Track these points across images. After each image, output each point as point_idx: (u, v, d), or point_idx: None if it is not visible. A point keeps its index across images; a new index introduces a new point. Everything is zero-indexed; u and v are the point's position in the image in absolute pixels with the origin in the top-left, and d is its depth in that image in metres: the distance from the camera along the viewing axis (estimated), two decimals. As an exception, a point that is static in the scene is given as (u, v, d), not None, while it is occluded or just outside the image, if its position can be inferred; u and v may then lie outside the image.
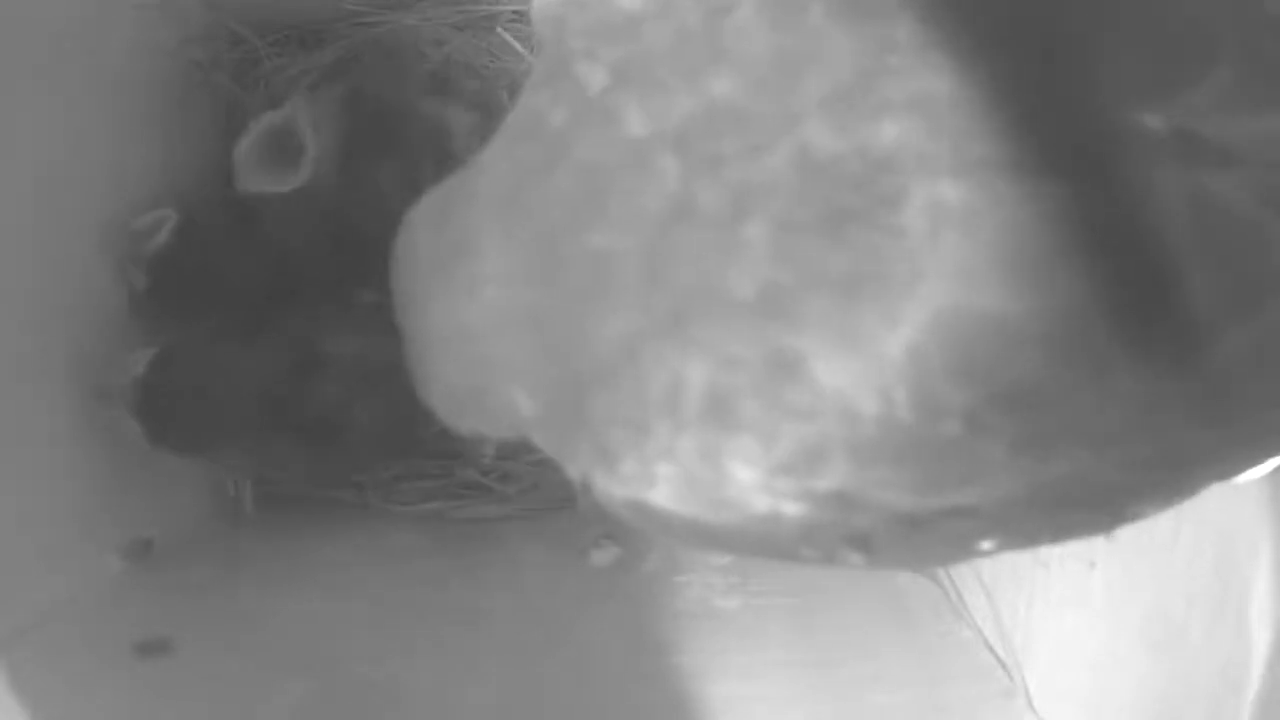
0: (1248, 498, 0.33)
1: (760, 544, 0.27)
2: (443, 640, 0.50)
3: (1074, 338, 0.23)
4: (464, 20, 0.65)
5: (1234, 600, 0.34)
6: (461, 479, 0.65)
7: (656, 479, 0.26)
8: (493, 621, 0.52)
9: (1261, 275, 0.23)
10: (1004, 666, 0.48)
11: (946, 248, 0.23)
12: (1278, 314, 0.23)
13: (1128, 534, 0.39)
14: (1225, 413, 0.25)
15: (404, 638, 0.50)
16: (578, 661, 0.49)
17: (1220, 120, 0.23)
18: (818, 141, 0.24)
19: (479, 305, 0.29)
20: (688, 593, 0.55)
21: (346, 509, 0.65)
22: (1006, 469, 0.24)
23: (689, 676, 0.47)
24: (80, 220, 0.51)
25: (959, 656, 0.50)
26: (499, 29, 0.65)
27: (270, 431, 0.54)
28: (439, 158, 0.58)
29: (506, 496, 0.65)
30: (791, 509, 0.25)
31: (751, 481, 0.25)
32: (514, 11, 0.65)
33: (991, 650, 0.50)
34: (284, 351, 0.54)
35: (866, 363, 0.23)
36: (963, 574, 0.53)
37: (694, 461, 0.25)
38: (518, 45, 0.65)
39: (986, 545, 0.27)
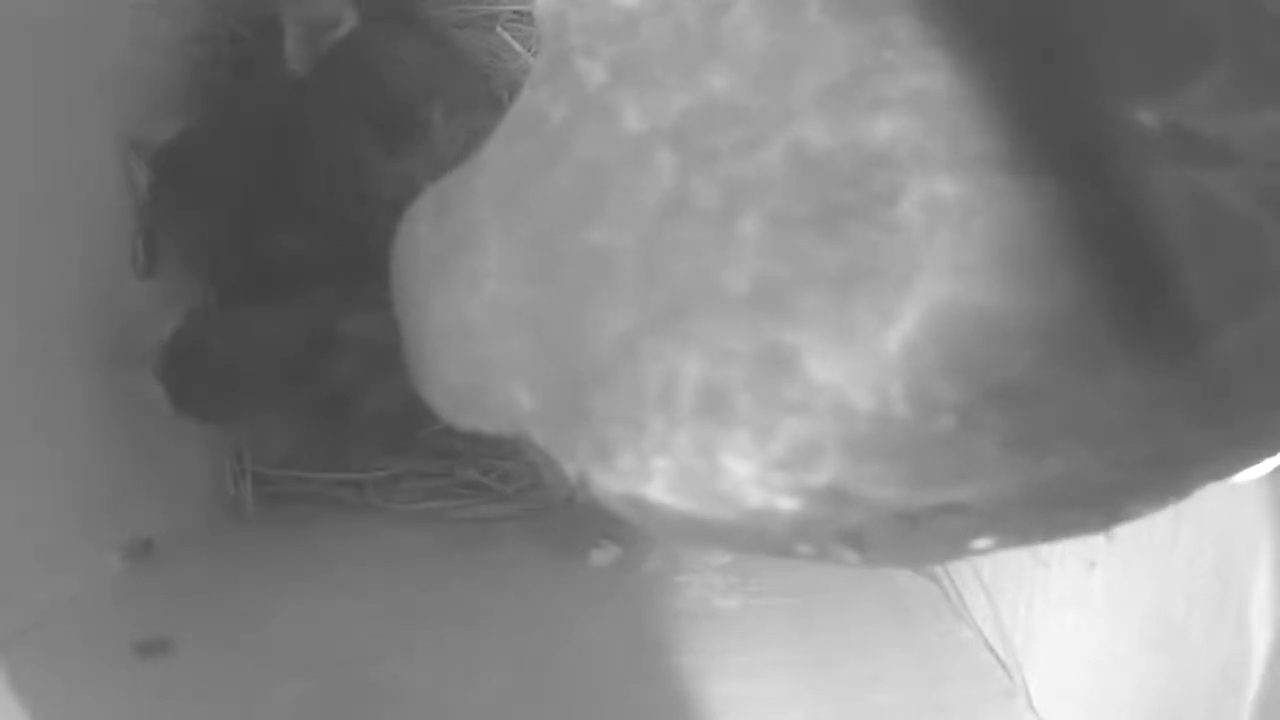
0: (1248, 498, 0.33)
1: (755, 540, 0.27)
2: (443, 640, 0.50)
3: (1070, 335, 0.23)
4: (464, 20, 0.66)
5: (1234, 600, 0.34)
6: (461, 479, 0.65)
7: (653, 473, 0.26)
8: (493, 621, 0.52)
9: (1260, 275, 0.23)
10: (1004, 666, 0.48)
11: (942, 244, 0.23)
12: (1276, 314, 0.23)
13: (1128, 534, 0.40)
14: (1223, 412, 0.25)
15: (404, 638, 0.50)
16: (578, 661, 0.49)
17: (1219, 118, 0.23)
18: (812, 137, 0.24)
19: (480, 301, 0.29)
20: (688, 593, 0.55)
21: (346, 509, 0.65)
22: (1000, 466, 0.24)
23: (689, 676, 0.47)
24: (81, 220, 0.51)
25: (959, 656, 0.50)
26: (499, 28, 0.66)
27: (288, 403, 0.55)
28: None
29: (506, 496, 0.65)
30: (785, 504, 0.25)
31: (746, 476, 0.25)
32: (514, 11, 0.65)
33: (991, 650, 0.50)
34: (304, 324, 0.55)
35: (860, 358, 0.23)
36: (963, 574, 0.53)
37: (689, 456, 0.25)
38: (517, 45, 0.65)
39: (981, 543, 0.27)
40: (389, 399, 0.55)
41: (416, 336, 0.33)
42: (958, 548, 0.28)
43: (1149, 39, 0.24)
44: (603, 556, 0.58)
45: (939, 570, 0.55)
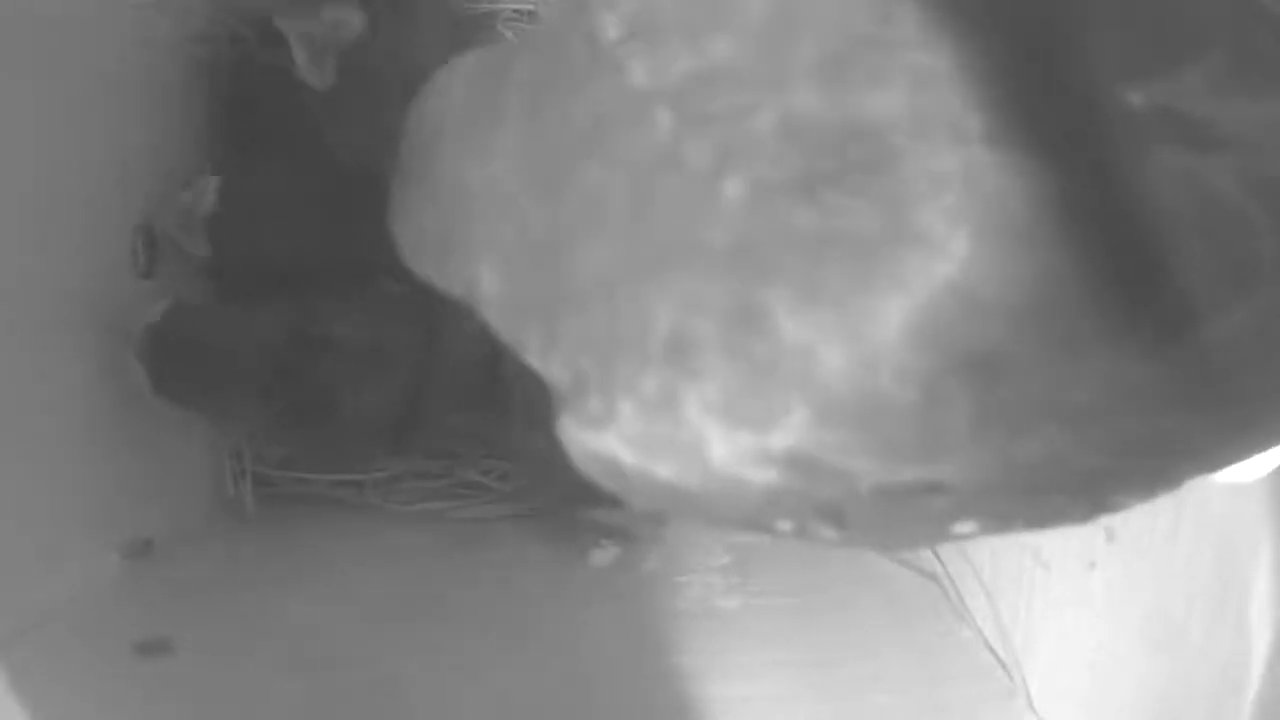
0: (1248, 498, 0.33)
1: (730, 509, 0.27)
2: (443, 640, 0.50)
3: (1045, 313, 0.23)
4: (464, 19, 0.66)
5: (1234, 600, 0.34)
6: (461, 479, 0.65)
7: (617, 416, 0.26)
8: (493, 621, 0.52)
9: (1248, 262, 0.23)
10: (1004, 666, 0.48)
11: (919, 215, 0.23)
12: (1266, 302, 0.24)
13: (1128, 534, 0.40)
14: (1210, 400, 0.25)
15: (404, 638, 0.50)
16: (578, 661, 0.49)
17: (1211, 104, 0.24)
18: (803, 106, 0.24)
19: (484, 174, 0.30)
20: (688, 593, 0.55)
21: (346, 509, 0.65)
22: (973, 442, 0.24)
23: (689, 676, 0.47)
24: (82, 220, 0.51)
25: (959, 656, 0.50)
26: (499, 26, 0.66)
27: (266, 399, 0.55)
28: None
29: (506, 496, 0.65)
30: (753, 470, 0.25)
31: (709, 431, 0.25)
32: (514, 10, 0.65)
33: (991, 650, 0.50)
34: (290, 322, 0.55)
35: (829, 322, 0.24)
36: (963, 574, 0.53)
37: (654, 402, 0.26)
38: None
39: (963, 527, 0.27)
40: (371, 402, 0.55)
41: (411, 176, 0.34)
42: (940, 530, 0.28)
43: (1143, 24, 0.25)
44: (603, 556, 0.58)
45: (939, 570, 0.55)
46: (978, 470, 0.25)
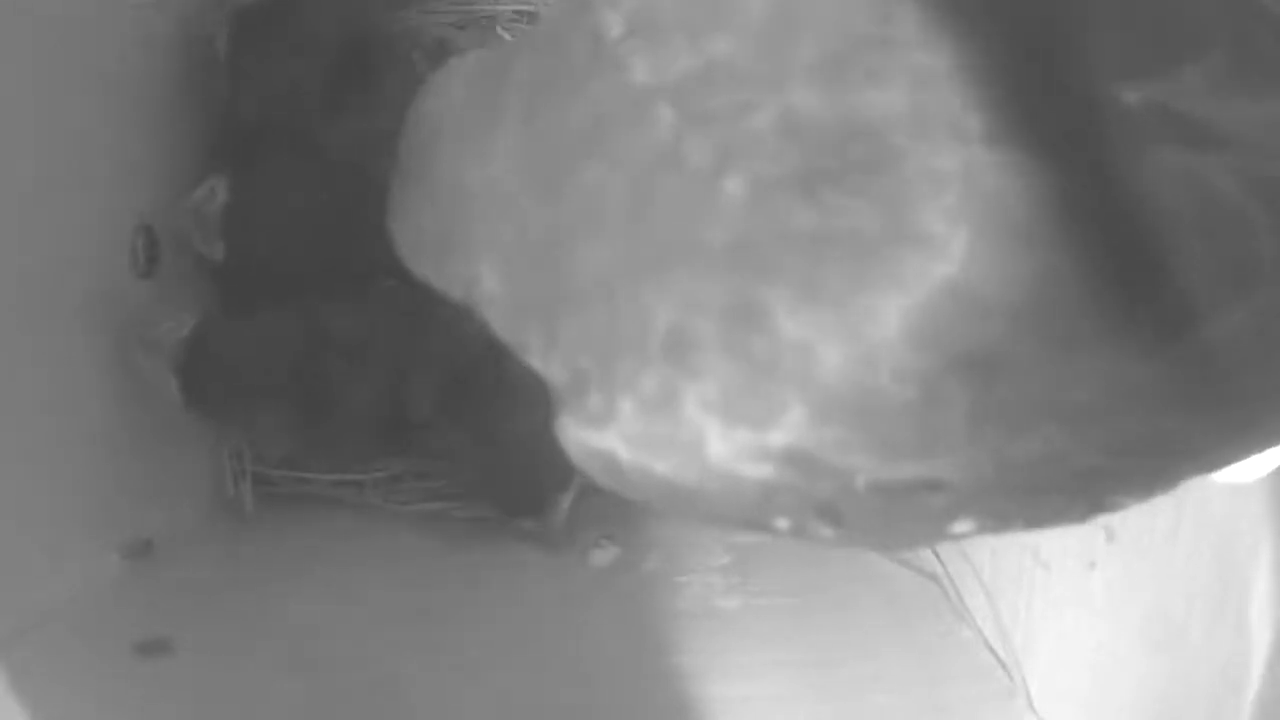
0: (1248, 498, 0.33)
1: (727, 507, 0.27)
2: (443, 640, 0.50)
3: (1043, 312, 0.23)
4: (464, 20, 0.66)
5: (1234, 600, 0.34)
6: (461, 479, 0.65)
7: (617, 414, 0.26)
8: (493, 621, 0.52)
9: (1248, 262, 0.23)
10: (1004, 666, 0.48)
11: (919, 215, 0.23)
12: (1266, 301, 0.24)
13: (1128, 534, 0.40)
14: (1209, 401, 0.25)
15: (404, 638, 0.50)
16: (578, 661, 0.49)
17: (1210, 104, 0.24)
18: (803, 104, 0.24)
19: (483, 174, 0.30)
20: (688, 593, 0.55)
21: (346, 509, 0.65)
22: (969, 440, 0.24)
23: (689, 676, 0.47)
24: (82, 220, 0.51)
25: (959, 656, 0.50)
26: (499, 29, 0.66)
27: (291, 405, 0.55)
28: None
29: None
30: (751, 468, 0.26)
31: (708, 429, 0.25)
32: (514, 11, 0.65)
33: (991, 650, 0.50)
34: (306, 325, 0.56)
35: (827, 320, 0.24)
36: (963, 574, 0.53)
37: (653, 401, 0.26)
38: (518, 45, 0.65)
39: (960, 526, 0.27)
40: (376, 398, 0.56)
41: (410, 176, 0.34)
42: (937, 529, 0.28)
43: (1143, 24, 0.25)
44: (603, 556, 0.58)
45: (939, 570, 0.55)
46: (975, 468, 0.25)
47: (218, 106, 0.60)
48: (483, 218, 0.30)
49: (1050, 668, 0.45)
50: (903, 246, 0.23)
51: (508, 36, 0.65)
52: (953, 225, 0.23)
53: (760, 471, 0.25)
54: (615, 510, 0.57)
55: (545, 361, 0.29)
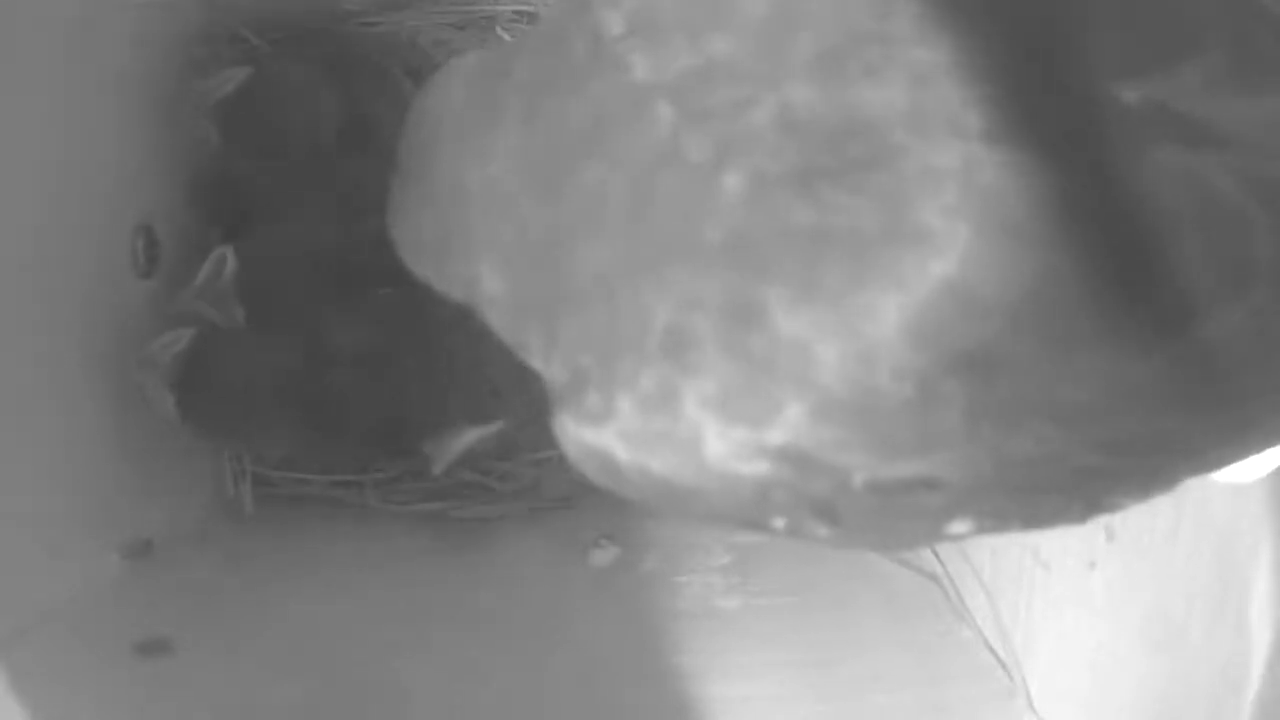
0: (1248, 498, 0.33)
1: (724, 506, 0.27)
2: (443, 640, 0.50)
3: (1039, 311, 0.23)
4: (464, 20, 0.66)
5: (1234, 600, 0.34)
6: (461, 479, 0.65)
7: (615, 412, 0.26)
8: (493, 621, 0.52)
9: (1246, 261, 0.23)
10: (1004, 666, 0.48)
11: (917, 213, 0.23)
12: (1262, 301, 0.24)
13: (1128, 534, 0.40)
14: (1208, 400, 0.25)
15: (404, 638, 0.50)
16: (578, 661, 0.49)
17: (1209, 102, 0.24)
18: (801, 100, 0.24)
19: (483, 175, 0.30)
20: (688, 593, 0.55)
21: (346, 509, 0.65)
22: (966, 439, 0.24)
23: (689, 676, 0.47)
24: (84, 220, 0.51)
25: (959, 656, 0.50)
26: (499, 29, 0.66)
27: (289, 419, 0.55)
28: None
29: (506, 496, 0.65)
30: (747, 466, 0.25)
31: (706, 426, 0.25)
32: (514, 11, 0.65)
33: (991, 650, 0.50)
34: (305, 338, 0.56)
35: (824, 317, 0.24)
36: (963, 574, 0.53)
37: (652, 398, 0.26)
38: (518, 45, 0.65)
39: (958, 525, 0.27)
40: (381, 404, 0.56)
41: (410, 176, 0.34)
42: (934, 529, 0.28)
43: (1142, 23, 0.25)
44: (603, 556, 0.58)
45: (939, 570, 0.55)
46: (973, 467, 0.25)
47: (211, 175, 0.60)
48: (483, 218, 0.30)
49: (1050, 668, 0.45)
50: (901, 244, 0.23)
51: (507, 37, 0.65)
52: (951, 223, 0.23)
53: (757, 470, 0.25)
54: (615, 510, 0.57)
55: (546, 361, 0.29)
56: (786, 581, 0.55)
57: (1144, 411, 0.24)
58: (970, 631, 0.52)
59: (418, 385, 0.56)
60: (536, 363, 0.30)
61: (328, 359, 0.56)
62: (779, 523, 0.27)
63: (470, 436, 0.56)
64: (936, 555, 0.56)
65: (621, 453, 0.27)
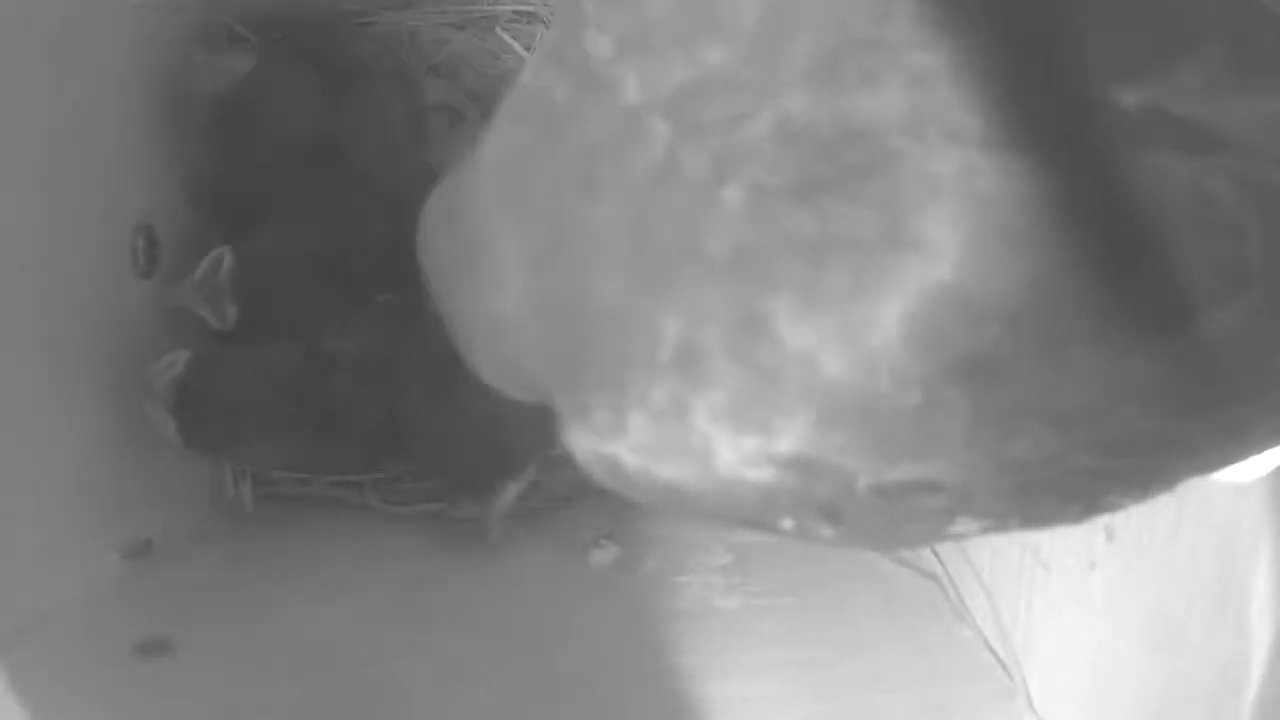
0: (1248, 498, 0.33)
1: (731, 509, 0.27)
2: (443, 640, 0.50)
3: (1037, 314, 0.23)
4: (464, 20, 0.66)
5: (1234, 600, 0.34)
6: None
7: (628, 428, 0.27)
8: (492, 621, 0.52)
9: (1241, 262, 0.23)
10: (1004, 666, 0.49)
11: (916, 220, 0.23)
12: (1256, 303, 0.24)
13: (1128, 534, 0.40)
14: (1207, 401, 0.25)
15: (404, 638, 0.50)
16: (578, 661, 0.49)
17: (1206, 104, 0.23)
18: (797, 110, 0.24)
19: (506, 297, 0.30)
20: (688, 593, 0.55)
21: (346, 509, 0.65)
22: (967, 442, 0.24)
23: (689, 676, 0.47)
24: (84, 220, 0.51)
25: (959, 656, 0.50)
26: (499, 29, 0.66)
27: (290, 429, 0.56)
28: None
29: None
30: (754, 471, 0.26)
31: (716, 437, 0.25)
32: (514, 11, 0.65)
33: (991, 650, 0.50)
34: (303, 349, 0.56)
35: (829, 327, 0.24)
36: (963, 574, 0.53)
37: (663, 413, 0.26)
38: (517, 45, 0.65)
39: (959, 526, 0.27)
40: (379, 408, 0.56)
41: (456, 323, 0.35)
42: (936, 530, 0.28)
43: (1140, 25, 0.25)
44: (603, 556, 0.58)
45: (939, 570, 0.55)
46: (974, 470, 0.25)
47: (205, 179, 0.60)
48: (521, 328, 0.30)
49: (1050, 668, 0.45)
50: (900, 251, 0.23)
51: (507, 37, 0.65)
52: (950, 229, 0.23)
53: (764, 475, 0.26)
54: (615, 510, 0.57)
55: (559, 397, 0.30)
56: (786, 581, 0.55)
57: (1143, 411, 0.24)
58: (970, 631, 0.52)
59: (418, 390, 0.56)
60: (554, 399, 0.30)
61: (327, 364, 0.56)
62: (784, 523, 0.27)
63: (511, 491, 0.58)
64: (936, 555, 0.56)
65: (630, 460, 0.27)
